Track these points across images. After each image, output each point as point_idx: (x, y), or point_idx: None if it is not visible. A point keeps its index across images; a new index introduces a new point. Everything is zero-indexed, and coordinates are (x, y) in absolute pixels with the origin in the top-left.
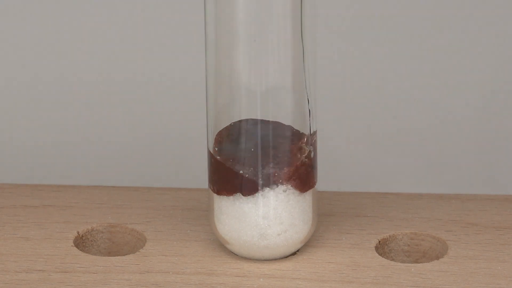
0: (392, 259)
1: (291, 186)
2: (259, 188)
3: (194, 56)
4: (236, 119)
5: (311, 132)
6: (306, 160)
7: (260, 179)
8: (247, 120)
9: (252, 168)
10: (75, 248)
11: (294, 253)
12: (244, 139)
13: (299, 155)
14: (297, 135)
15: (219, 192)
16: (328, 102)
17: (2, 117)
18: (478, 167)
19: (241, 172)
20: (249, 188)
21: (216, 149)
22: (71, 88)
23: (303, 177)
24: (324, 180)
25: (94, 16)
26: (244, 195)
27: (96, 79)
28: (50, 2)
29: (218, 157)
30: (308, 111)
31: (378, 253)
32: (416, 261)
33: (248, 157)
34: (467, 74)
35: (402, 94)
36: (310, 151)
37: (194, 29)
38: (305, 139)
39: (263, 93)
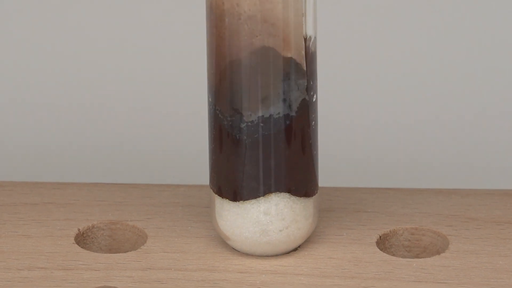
0: (393, 254)
1: (293, 194)
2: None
3: (194, 54)
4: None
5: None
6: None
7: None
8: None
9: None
10: (76, 245)
11: (295, 249)
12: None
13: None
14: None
15: (219, 193)
16: (329, 96)
17: (2, 115)
18: (476, 162)
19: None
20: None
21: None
22: (70, 86)
23: (303, 184)
24: (324, 175)
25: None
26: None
27: (94, 76)
28: (50, 2)
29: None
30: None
31: (379, 248)
32: (417, 256)
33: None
34: (467, 70)
35: (402, 89)
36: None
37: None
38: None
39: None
